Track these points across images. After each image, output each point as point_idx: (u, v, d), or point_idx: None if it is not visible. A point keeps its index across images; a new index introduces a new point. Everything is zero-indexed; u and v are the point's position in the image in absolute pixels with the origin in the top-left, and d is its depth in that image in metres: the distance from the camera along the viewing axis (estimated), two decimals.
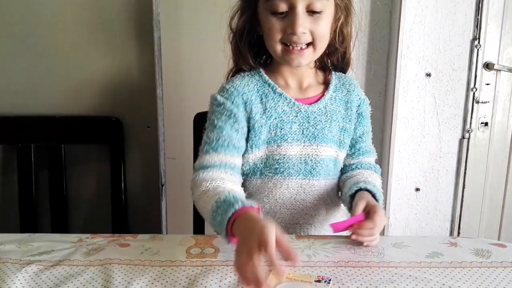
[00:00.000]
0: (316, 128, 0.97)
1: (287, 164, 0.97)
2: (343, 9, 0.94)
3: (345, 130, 1.02)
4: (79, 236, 0.90)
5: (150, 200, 1.58)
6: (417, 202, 1.70)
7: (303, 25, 0.87)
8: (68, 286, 0.68)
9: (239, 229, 0.72)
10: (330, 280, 0.70)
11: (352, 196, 0.94)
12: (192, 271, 0.74)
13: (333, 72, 1.04)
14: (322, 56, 0.99)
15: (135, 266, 0.75)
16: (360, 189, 0.94)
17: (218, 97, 0.96)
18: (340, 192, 1.05)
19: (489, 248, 0.84)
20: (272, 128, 0.96)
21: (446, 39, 1.59)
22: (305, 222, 1.01)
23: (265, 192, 1.00)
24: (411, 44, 1.59)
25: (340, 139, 1.01)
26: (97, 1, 1.46)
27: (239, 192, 0.88)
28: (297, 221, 1.01)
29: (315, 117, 0.97)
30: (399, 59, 1.55)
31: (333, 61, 1.03)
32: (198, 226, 1.28)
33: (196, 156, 1.27)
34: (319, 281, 0.69)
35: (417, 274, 0.73)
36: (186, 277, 0.71)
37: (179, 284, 0.69)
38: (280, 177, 0.98)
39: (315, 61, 1.01)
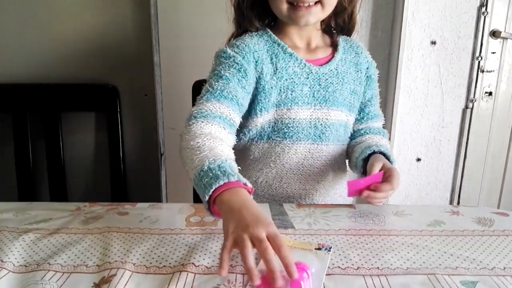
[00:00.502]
0: (327, 91, 0.95)
1: (296, 129, 0.94)
2: None
3: (355, 93, 0.99)
4: (77, 204, 0.90)
5: (149, 170, 1.58)
6: (418, 172, 1.69)
7: None
8: (66, 254, 0.68)
9: (229, 204, 0.64)
10: (330, 248, 0.69)
11: (365, 160, 0.93)
12: (192, 239, 0.73)
13: (340, 36, 1.01)
14: (328, 17, 0.95)
15: (134, 234, 0.75)
16: (374, 152, 0.93)
17: (228, 50, 0.90)
18: (348, 159, 1.04)
19: (491, 217, 0.83)
20: (282, 90, 0.92)
21: (452, 6, 1.56)
22: (312, 187, 1.00)
23: (272, 157, 0.97)
24: (416, 11, 1.55)
25: (350, 102, 0.99)
26: None
27: (235, 165, 0.78)
28: (303, 186, 0.99)
29: (327, 79, 0.95)
30: (403, 27, 1.52)
31: (339, 22, 1.00)
32: (198, 196, 1.27)
33: None
34: (319, 249, 0.69)
35: (418, 242, 0.72)
36: (186, 245, 0.71)
37: (179, 252, 0.69)
38: (288, 142, 0.95)
39: (321, 23, 0.98)
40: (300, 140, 0.95)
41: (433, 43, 1.59)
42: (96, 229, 0.77)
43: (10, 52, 1.47)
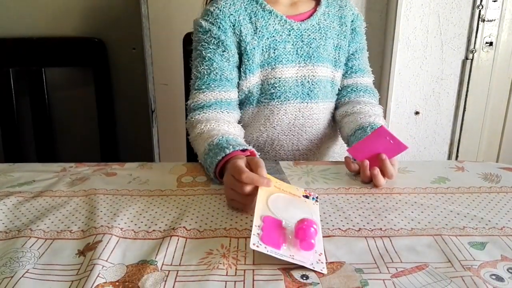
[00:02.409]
0: (310, 47, 0.93)
1: (283, 88, 0.93)
2: None
3: (340, 47, 0.97)
4: (63, 165, 0.85)
5: (141, 127, 1.53)
6: (416, 126, 1.66)
7: None
8: (49, 219, 0.64)
9: (225, 172, 0.70)
10: (317, 197, 0.67)
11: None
12: (183, 200, 0.69)
13: None
14: None
15: (122, 197, 0.71)
16: None
17: (203, 22, 0.91)
18: (339, 129, 1.00)
19: (498, 173, 0.79)
20: (265, 49, 0.91)
21: None
22: (305, 148, 0.98)
23: (262, 120, 0.96)
24: None
25: (335, 57, 0.97)
26: None
27: (234, 134, 0.83)
28: (296, 147, 0.98)
29: (309, 35, 0.93)
30: None
31: None
32: (192, 154, 1.22)
33: (187, 82, 1.21)
34: (306, 196, 0.66)
35: (422, 200, 0.68)
36: (177, 207, 0.67)
37: (169, 214, 0.65)
38: (276, 103, 0.94)
39: None
40: (288, 100, 0.94)
41: None
42: (82, 191, 0.73)
43: None
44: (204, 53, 0.90)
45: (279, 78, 0.92)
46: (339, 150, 1.06)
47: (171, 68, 1.45)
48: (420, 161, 0.81)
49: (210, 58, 0.89)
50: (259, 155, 0.95)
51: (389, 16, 1.54)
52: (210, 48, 0.89)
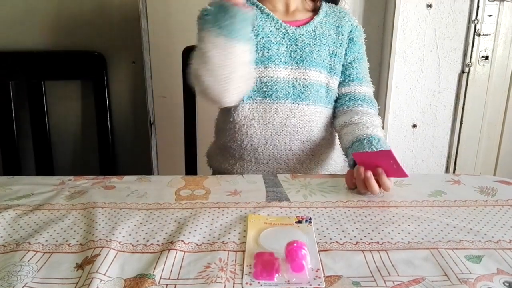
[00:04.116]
0: (304, 51, 0.96)
1: (275, 87, 0.96)
2: None
3: (335, 55, 1.00)
4: (61, 178, 0.85)
5: (139, 140, 1.53)
6: (414, 139, 1.67)
7: None
8: (47, 233, 0.64)
9: None
10: (310, 219, 0.67)
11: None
12: (181, 214, 0.69)
13: (323, 2, 1.02)
14: None
15: (120, 210, 0.71)
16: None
17: (207, 7, 0.89)
18: (339, 138, 1.01)
19: (494, 186, 0.80)
20: (259, 48, 0.95)
21: None
22: (298, 148, 1.00)
23: (256, 117, 0.98)
24: None
25: (330, 64, 1.00)
26: None
27: None
28: (289, 147, 0.99)
29: (303, 40, 0.97)
30: None
31: None
32: (190, 167, 1.24)
33: (186, 95, 1.23)
34: (299, 221, 0.66)
35: (419, 214, 0.69)
36: (175, 221, 0.67)
37: (167, 228, 0.65)
38: (269, 101, 0.97)
39: None
40: (279, 99, 0.96)
41: (429, 6, 1.55)
42: (80, 204, 0.73)
43: None
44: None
45: (271, 77, 0.95)
46: (336, 157, 1.07)
47: (170, 81, 1.46)
48: (416, 174, 0.81)
49: None
50: (251, 156, 1.00)
51: (386, 30, 1.56)
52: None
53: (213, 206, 0.72)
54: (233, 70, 0.82)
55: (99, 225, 0.65)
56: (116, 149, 1.51)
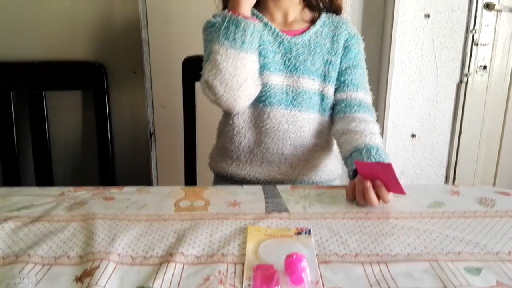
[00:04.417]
0: (298, 60, 0.99)
1: (268, 93, 0.98)
2: None
3: (330, 63, 1.01)
4: (61, 189, 0.86)
5: (139, 150, 1.54)
6: (413, 149, 1.67)
7: None
8: (47, 245, 0.64)
9: None
10: (309, 230, 0.66)
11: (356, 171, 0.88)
12: (181, 225, 0.69)
13: (324, 13, 1.04)
14: None
15: (120, 221, 0.71)
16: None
17: (211, 19, 0.98)
18: (338, 147, 1.01)
19: (493, 197, 0.80)
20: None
21: None
22: (290, 153, 1.02)
23: (253, 121, 1.01)
24: None
25: (324, 72, 1.01)
26: None
27: None
28: (281, 151, 1.01)
29: (298, 49, 0.99)
30: (396, 0, 1.49)
31: (323, 1, 1.04)
32: (190, 178, 1.24)
33: (186, 104, 1.23)
34: (299, 233, 0.66)
35: (418, 225, 0.69)
36: (174, 232, 0.67)
37: (167, 240, 0.65)
38: (262, 106, 0.99)
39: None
40: (273, 105, 0.99)
41: (427, 16, 1.56)
42: (80, 216, 0.73)
43: None
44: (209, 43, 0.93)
45: (265, 83, 0.97)
46: (333, 165, 1.07)
47: (170, 91, 1.47)
48: (415, 185, 0.82)
49: None
50: (247, 157, 1.03)
51: (384, 40, 1.57)
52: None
53: (213, 218, 0.72)
54: (245, 79, 0.88)
55: (99, 237, 0.65)
56: (116, 159, 1.51)
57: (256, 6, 0.98)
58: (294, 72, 0.99)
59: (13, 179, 1.43)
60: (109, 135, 1.46)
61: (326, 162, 1.06)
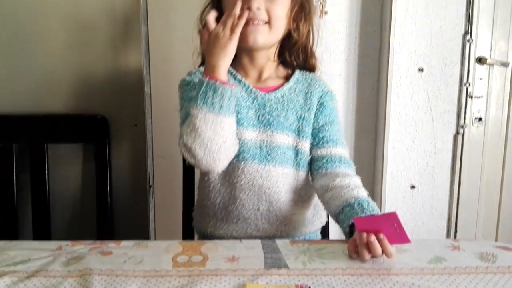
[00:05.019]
0: (271, 115, 1.00)
1: (242, 148, 0.98)
2: (299, 3, 1.00)
3: (303, 118, 1.02)
4: (59, 243, 0.85)
5: (138, 202, 1.53)
6: (413, 200, 1.66)
7: (259, 1, 0.92)
8: None
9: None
10: (309, 287, 0.66)
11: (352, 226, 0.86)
12: (178, 282, 0.69)
13: (298, 70, 1.06)
14: (283, 50, 1.04)
15: (117, 278, 0.70)
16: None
17: (186, 78, 1.00)
18: (324, 203, 0.99)
19: (494, 252, 0.79)
20: None
21: (437, 34, 1.58)
22: (266, 209, 1.01)
23: (226, 176, 1.01)
24: (402, 39, 1.57)
25: (298, 127, 1.02)
26: None
27: None
28: (257, 207, 1.00)
29: (271, 105, 1.00)
30: (391, 54, 1.54)
31: (298, 59, 1.06)
32: (188, 230, 1.23)
33: None
34: None
35: (420, 282, 0.68)
36: None
37: None
38: (236, 161, 0.99)
39: (278, 56, 1.04)
40: (246, 160, 0.99)
41: (421, 70, 1.60)
42: (77, 271, 0.72)
43: None
44: (186, 102, 0.96)
45: (239, 138, 0.97)
46: (312, 217, 1.07)
47: (170, 141, 1.47)
48: (416, 239, 0.81)
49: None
50: (222, 214, 1.03)
51: (380, 92, 1.60)
52: (190, 95, 0.95)
53: (211, 274, 0.71)
54: (224, 141, 0.89)
55: None
56: (114, 211, 1.50)
57: (234, 63, 1.00)
58: (268, 127, 1.00)
59: (11, 231, 1.41)
60: (108, 187, 1.45)
61: (304, 216, 1.06)
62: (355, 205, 0.87)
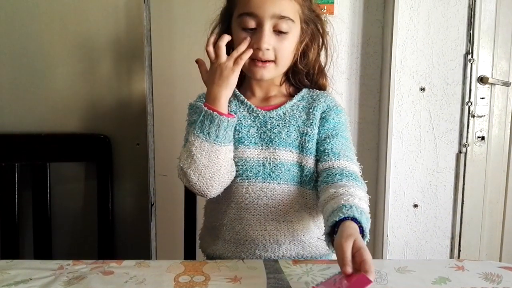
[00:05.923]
0: (273, 132, 1.00)
1: (245, 167, 0.98)
2: (309, 34, 1.02)
3: (306, 134, 1.00)
4: (60, 262, 0.85)
5: (139, 221, 1.53)
6: (416, 219, 1.65)
7: (268, 42, 0.94)
8: None
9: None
10: None
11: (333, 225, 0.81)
12: None
13: (306, 88, 1.06)
14: (292, 74, 1.05)
15: None
16: (344, 218, 0.79)
17: (192, 102, 1.01)
18: (322, 209, 0.92)
19: (499, 272, 0.78)
20: None
21: (439, 54, 1.59)
22: (274, 228, 0.98)
23: (231, 197, 1.00)
24: (404, 59, 1.58)
25: (301, 143, 1.00)
26: (84, 15, 1.43)
27: None
28: (264, 227, 0.98)
29: (273, 122, 1.00)
30: (392, 74, 1.55)
31: (303, 82, 1.06)
32: (189, 249, 1.22)
33: None
34: None
35: None
36: None
37: None
38: (239, 180, 0.99)
39: (286, 78, 1.06)
40: (250, 178, 0.98)
41: (422, 89, 1.61)
42: None
43: (1, 102, 1.45)
44: (188, 125, 0.99)
45: (241, 157, 0.98)
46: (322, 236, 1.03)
47: (171, 160, 1.47)
48: (419, 260, 0.80)
49: None
50: (230, 235, 1.01)
51: (382, 111, 1.61)
52: (194, 118, 0.95)
53: None
54: (218, 169, 0.91)
55: None
56: (116, 230, 1.50)
57: (242, 85, 1.05)
58: (270, 144, 0.99)
59: (12, 250, 1.41)
60: (110, 206, 1.46)
61: (314, 233, 1.01)
62: (335, 211, 0.80)
